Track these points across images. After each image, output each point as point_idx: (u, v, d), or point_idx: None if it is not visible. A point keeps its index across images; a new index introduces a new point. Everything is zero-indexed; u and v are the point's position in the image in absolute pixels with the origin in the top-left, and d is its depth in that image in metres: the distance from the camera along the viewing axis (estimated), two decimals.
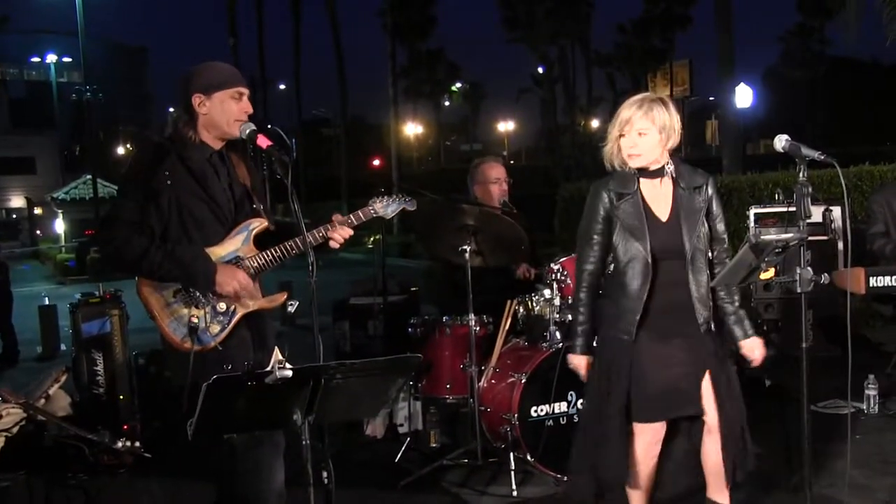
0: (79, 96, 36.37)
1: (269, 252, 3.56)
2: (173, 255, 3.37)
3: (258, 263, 3.54)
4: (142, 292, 3.46)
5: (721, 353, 3.77)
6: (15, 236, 45.74)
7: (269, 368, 2.63)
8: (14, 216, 54.90)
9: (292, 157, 3.43)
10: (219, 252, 3.49)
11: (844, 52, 51.53)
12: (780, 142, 3.50)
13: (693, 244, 3.66)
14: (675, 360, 3.69)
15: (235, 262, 3.51)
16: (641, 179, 3.73)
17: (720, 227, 3.80)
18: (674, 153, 3.78)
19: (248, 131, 3.45)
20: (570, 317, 5.13)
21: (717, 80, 20.14)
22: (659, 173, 3.73)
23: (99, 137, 42.67)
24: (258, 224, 3.61)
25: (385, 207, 3.92)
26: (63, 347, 11.91)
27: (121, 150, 57.63)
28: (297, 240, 3.49)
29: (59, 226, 40.68)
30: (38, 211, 48.78)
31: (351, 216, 3.77)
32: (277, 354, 2.73)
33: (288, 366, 2.63)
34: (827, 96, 56.63)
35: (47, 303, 12.27)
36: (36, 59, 56.22)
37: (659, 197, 3.74)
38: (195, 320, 3.39)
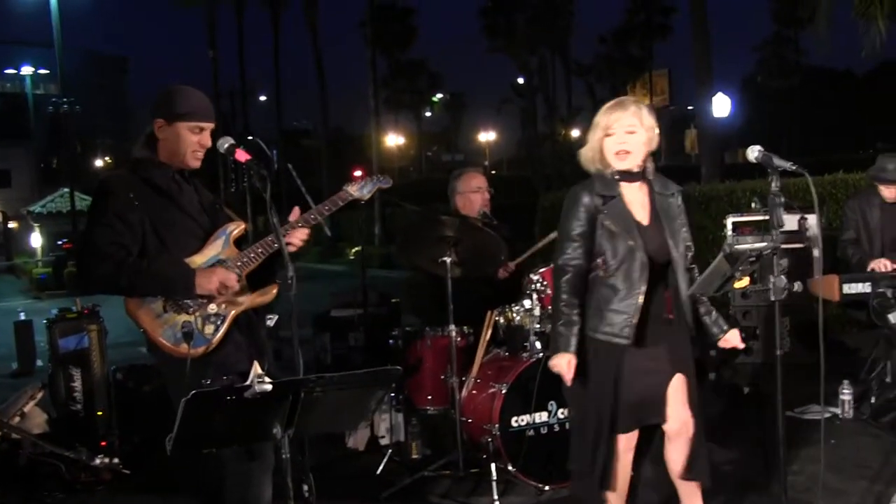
0: (56, 109, 36.16)
1: (250, 250, 3.55)
2: (149, 270, 3.36)
3: (242, 262, 3.52)
4: (129, 308, 3.44)
5: (692, 360, 3.80)
6: None
7: (248, 382, 2.64)
8: None
9: (273, 168, 3.43)
10: (199, 260, 3.48)
11: (819, 61, 52.10)
12: (753, 152, 3.54)
13: (676, 246, 3.70)
14: (653, 367, 3.71)
15: (218, 264, 3.50)
16: (621, 183, 3.74)
17: (688, 235, 3.83)
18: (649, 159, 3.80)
19: (226, 145, 3.44)
20: (550, 326, 5.19)
21: (695, 91, 20.27)
22: (638, 177, 3.75)
23: (77, 150, 42.44)
24: (236, 227, 3.61)
25: (360, 189, 3.91)
26: (40, 363, 11.81)
27: (99, 163, 57.37)
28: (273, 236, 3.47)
29: (36, 240, 40.36)
30: (13, 225, 48.36)
31: (327, 202, 3.75)
32: (257, 368, 2.74)
33: (267, 379, 2.64)
34: (803, 105, 57.13)
35: (23, 318, 12.17)
36: (11, 71, 55.75)
37: (638, 201, 3.76)
38: (188, 325, 3.37)
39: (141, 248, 3.41)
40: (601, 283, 3.71)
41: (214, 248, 3.53)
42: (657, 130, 3.73)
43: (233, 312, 3.48)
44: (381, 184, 3.97)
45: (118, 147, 65.65)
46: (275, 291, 3.62)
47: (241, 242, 3.60)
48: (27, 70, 49.23)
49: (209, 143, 3.57)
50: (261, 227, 3.75)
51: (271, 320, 3.78)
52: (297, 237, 3.65)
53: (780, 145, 53.86)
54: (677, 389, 3.74)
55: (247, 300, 3.53)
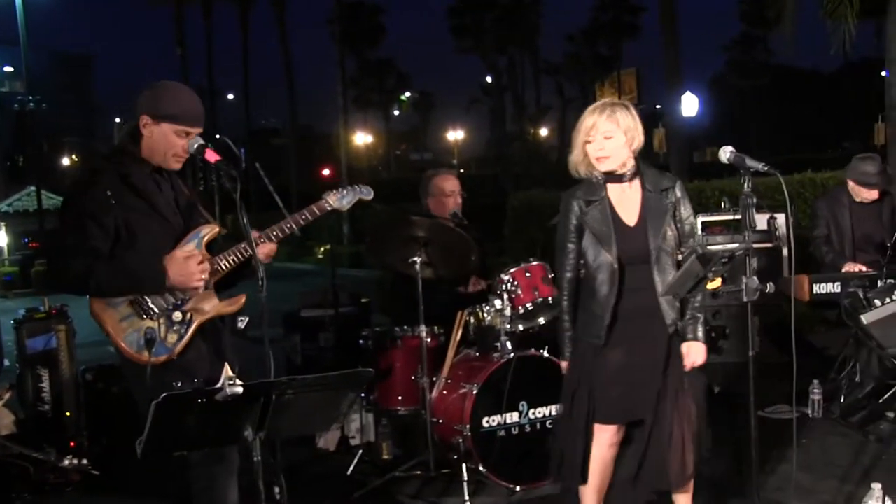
0: (21, 106, 35.63)
1: (221, 258, 3.50)
2: (118, 268, 3.31)
3: (212, 268, 3.47)
4: (93, 310, 3.39)
5: (679, 357, 3.84)
6: None
7: (219, 385, 2.61)
8: None
9: (242, 167, 3.40)
10: None
11: (787, 61, 52.52)
12: (726, 153, 3.57)
13: (657, 245, 3.73)
14: (638, 364, 3.77)
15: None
16: (609, 185, 3.80)
17: (687, 228, 3.86)
18: (639, 157, 3.84)
19: (195, 146, 3.40)
20: (520, 326, 5.20)
21: (663, 90, 20.40)
22: (626, 177, 3.80)
23: (43, 148, 41.94)
24: (209, 230, 3.55)
25: (340, 199, 3.85)
26: (6, 363, 11.67)
27: (66, 161, 56.64)
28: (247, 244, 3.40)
29: (2, 238, 39.82)
30: None
31: (305, 211, 3.69)
32: (228, 371, 2.71)
33: (238, 382, 2.62)
34: (771, 104, 57.71)
35: None
36: None
37: (626, 201, 3.81)
38: (150, 332, 3.33)
39: (112, 248, 3.35)
40: (584, 284, 3.85)
41: (186, 252, 3.46)
42: (641, 129, 3.77)
43: (198, 321, 3.44)
44: (363, 195, 3.92)
45: (84, 145, 64.89)
46: (242, 301, 3.58)
47: (212, 246, 3.55)
48: None
49: (190, 150, 3.47)
50: (229, 226, 3.70)
51: (242, 322, 3.73)
52: (263, 252, 3.54)
53: (748, 144, 54.43)
54: (657, 388, 3.78)
55: (213, 309, 3.49)
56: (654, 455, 3.84)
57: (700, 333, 3.83)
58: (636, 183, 3.82)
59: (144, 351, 3.31)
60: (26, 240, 36.10)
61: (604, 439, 3.83)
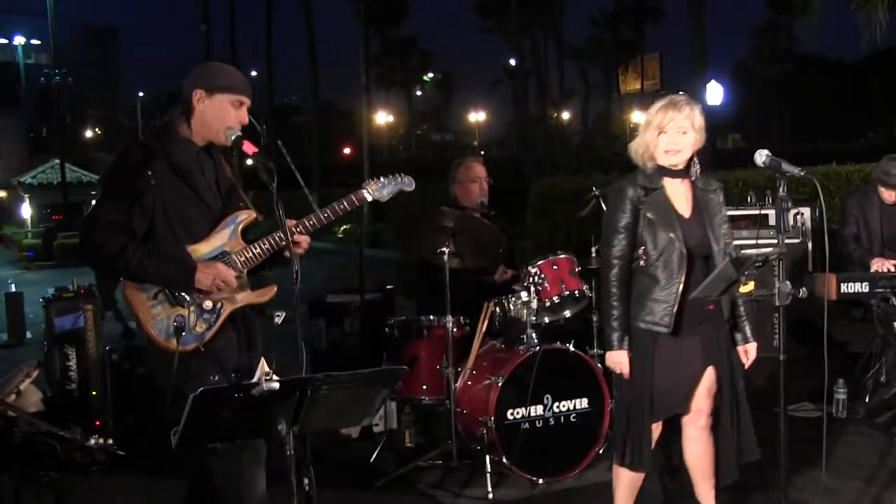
0: (48, 80, 35.65)
1: (256, 245, 3.48)
2: (151, 257, 3.30)
3: (246, 257, 3.45)
4: (125, 293, 3.39)
5: (733, 354, 3.90)
6: None
7: (255, 380, 2.63)
8: None
9: (263, 142, 3.40)
10: (204, 249, 3.41)
11: (812, 49, 52.00)
12: (761, 157, 3.55)
13: (717, 243, 3.81)
14: (689, 359, 3.81)
15: (222, 256, 3.43)
16: (664, 178, 3.85)
17: (728, 230, 3.95)
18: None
19: (233, 137, 3.41)
20: (546, 319, 5.20)
21: (688, 77, 20.24)
22: (682, 173, 3.86)
23: (67, 121, 42.10)
24: (246, 216, 3.52)
25: (380, 190, 3.75)
26: (29, 335, 11.80)
27: (89, 134, 56.87)
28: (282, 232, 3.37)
29: (26, 210, 40.12)
30: (2, 194, 48.09)
31: (343, 201, 3.63)
32: (264, 366, 2.73)
33: (275, 378, 2.63)
34: (795, 93, 57.15)
35: (14, 289, 12.13)
36: (3, 41, 55.16)
37: (680, 195, 3.87)
38: (180, 320, 3.33)
39: (148, 230, 3.35)
40: (642, 272, 3.83)
41: (221, 238, 3.45)
42: (704, 132, 3.82)
43: (228, 310, 3.42)
44: (404, 186, 3.80)
45: (108, 118, 65.10)
46: (273, 292, 3.55)
47: (247, 231, 3.53)
48: (19, 40, 48.77)
49: (246, 120, 3.48)
50: (250, 200, 3.67)
51: (279, 317, 3.73)
52: (301, 246, 3.51)
53: (769, 133, 53.97)
54: (706, 382, 3.84)
55: (243, 298, 3.47)
56: (723, 446, 3.91)
57: (751, 337, 3.95)
58: (687, 180, 3.88)
59: (173, 339, 3.31)
60: (46, 210, 36.39)
61: (655, 431, 3.90)
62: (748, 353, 3.92)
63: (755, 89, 58.18)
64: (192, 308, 3.37)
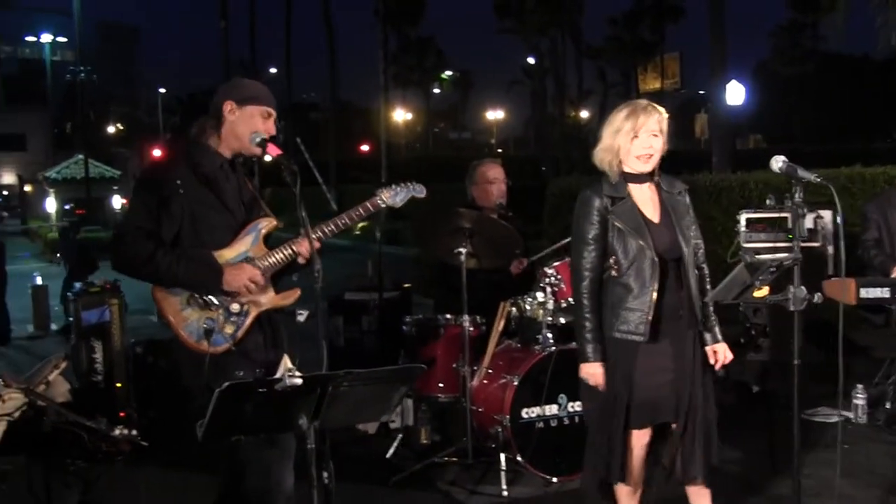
0: (73, 77, 36.00)
1: (278, 250, 3.59)
2: (180, 261, 3.42)
3: (269, 262, 3.57)
4: (155, 296, 3.51)
5: (703, 357, 3.88)
6: None
7: (278, 376, 2.71)
8: (5, 193, 54.87)
9: (280, 139, 3.49)
10: (228, 255, 3.53)
11: (836, 47, 51.61)
12: (777, 163, 3.58)
13: (686, 241, 3.79)
14: (666, 366, 3.78)
15: (246, 261, 3.54)
16: (629, 184, 3.83)
17: (697, 232, 3.93)
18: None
19: (258, 139, 3.52)
20: (562, 320, 5.25)
21: (707, 77, 20.24)
22: (646, 178, 3.84)
23: (90, 117, 42.46)
24: (267, 224, 3.64)
25: (393, 197, 3.88)
26: (54, 327, 11.97)
27: (111, 130, 57.29)
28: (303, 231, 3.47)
29: (51, 205, 40.52)
30: (28, 188, 48.65)
31: (359, 208, 3.75)
32: (287, 362, 2.81)
33: (297, 374, 2.71)
34: (817, 92, 56.65)
35: (39, 282, 12.30)
36: (31, 39, 55.78)
37: (646, 200, 3.85)
38: (210, 322, 3.44)
39: (175, 236, 3.47)
40: (615, 282, 3.79)
41: (244, 244, 3.57)
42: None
43: (254, 313, 3.53)
44: (416, 192, 3.94)
45: (129, 114, 65.59)
46: (297, 294, 3.66)
47: (268, 238, 3.65)
48: (46, 38, 49.24)
49: (274, 131, 3.61)
50: (267, 197, 3.79)
51: (301, 315, 3.82)
52: (306, 248, 3.58)
53: (791, 133, 53.62)
54: (686, 387, 3.81)
55: (269, 301, 3.58)
56: (687, 451, 3.86)
57: (719, 336, 3.90)
58: (652, 184, 3.87)
59: (204, 340, 3.41)
60: (68, 206, 36.67)
61: (641, 440, 3.87)
62: (717, 353, 3.87)
63: (777, 89, 57.76)
64: (220, 311, 3.49)
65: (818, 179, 3.51)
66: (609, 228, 3.78)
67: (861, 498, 4.66)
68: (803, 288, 3.48)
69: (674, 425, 3.85)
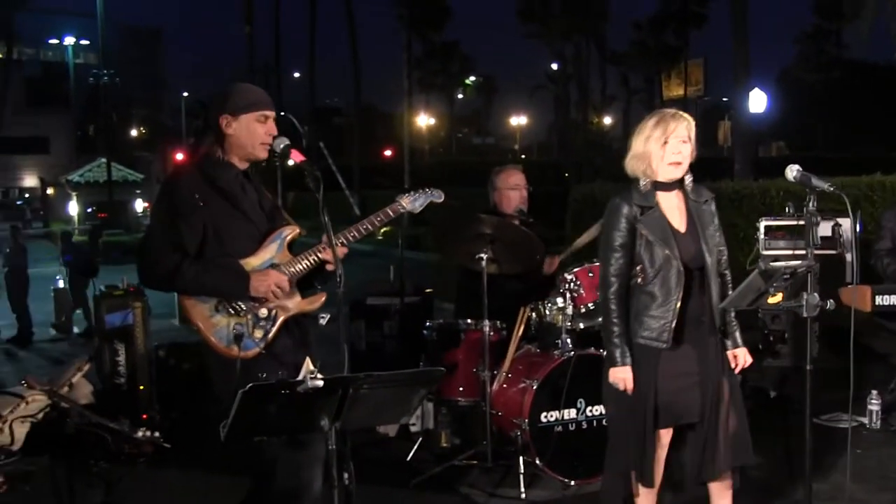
0: (96, 80, 36.32)
1: (303, 257, 3.65)
2: (206, 270, 3.48)
3: (294, 269, 3.62)
4: (184, 304, 3.57)
5: (728, 362, 3.94)
6: (20, 217, 45.89)
7: (300, 378, 2.78)
8: (27, 195, 55.32)
9: (303, 143, 3.53)
10: (254, 262, 3.58)
11: (861, 55, 51.20)
12: (792, 172, 3.62)
13: (710, 250, 3.86)
14: (690, 370, 3.86)
15: (272, 268, 3.59)
16: (658, 193, 3.89)
17: (721, 239, 3.99)
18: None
19: (282, 146, 3.57)
20: (581, 325, 5.30)
21: (731, 84, 20.22)
22: (674, 186, 3.90)
23: (113, 120, 42.82)
24: (291, 231, 3.69)
25: (412, 202, 3.99)
26: (76, 329, 12.12)
27: (133, 133, 57.65)
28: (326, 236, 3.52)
29: (73, 208, 40.89)
30: (50, 191, 49.04)
31: (380, 214, 3.84)
32: (309, 365, 2.87)
33: (319, 376, 2.78)
34: (841, 100, 56.29)
35: (61, 285, 12.45)
36: (54, 41, 56.19)
37: (673, 209, 3.90)
38: (239, 328, 3.48)
39: (199, 248, 3.52)
40: (640, 290, 3.86)
41: (269, 252, 3.62)
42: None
43: (282, 318, 3.59)
44: (434, 198, 4.04)
45: (152, 118, 66.04)
46: (323, 299, 3.72)
47: (292, 246, 3.70)
48: (69, 40, 49.61)
49: (276, 131, 3.64)
50: (290, 202, 3.84)
51: (324, 319, 3.89)
52: (331, 256, 3.62)
53: (814, 141, 53.30)
54: (711, 388, 3.87)
55: (296, 306, 3.63)
56: (710, 449, 3.91)
57: (740, 342, 3.97)
58: (680, 192, 3.93)
59: (234, 345, 3.46)
60: (90, 209, 36.98)
61: (662, 440, 3.93)
62: (737, 357, 3.94)
63: (800, 96, 57.41)
64: (249, 317, 3.54)
65: (832, 188, 3.55)
66: (637, 237, 3.85)
67: (873, 502, 4.70)
68: (816, 295, 3.52)
69: (696, 423, 3.90)
